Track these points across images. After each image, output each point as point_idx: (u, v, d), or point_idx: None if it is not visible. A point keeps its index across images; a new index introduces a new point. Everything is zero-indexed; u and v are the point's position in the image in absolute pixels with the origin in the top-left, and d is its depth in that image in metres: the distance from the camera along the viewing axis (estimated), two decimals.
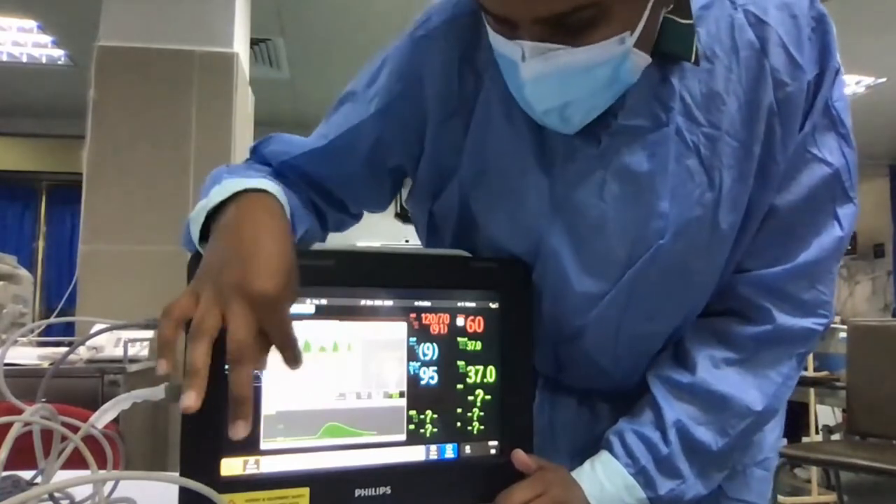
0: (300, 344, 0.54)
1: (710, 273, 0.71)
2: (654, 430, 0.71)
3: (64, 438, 0.62)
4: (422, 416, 0.68)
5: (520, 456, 0.69)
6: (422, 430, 0.68)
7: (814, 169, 0.70)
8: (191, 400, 0.48)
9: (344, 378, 0.66)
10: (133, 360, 2.14)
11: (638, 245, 0.69)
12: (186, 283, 0.61)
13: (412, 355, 0.69)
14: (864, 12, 3.87)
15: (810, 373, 3.55)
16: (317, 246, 0.71)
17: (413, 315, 0.69)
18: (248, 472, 0.62)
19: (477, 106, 0.72)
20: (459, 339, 0.70)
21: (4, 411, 0.60)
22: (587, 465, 0.71)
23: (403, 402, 0.68)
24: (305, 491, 0.62)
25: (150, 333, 2.23)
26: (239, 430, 0.49)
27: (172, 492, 0.57)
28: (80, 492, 0.68)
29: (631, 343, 0.74)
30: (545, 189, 0.70)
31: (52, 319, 1.99)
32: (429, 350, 0.69)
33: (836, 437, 3.66)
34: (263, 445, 0.62)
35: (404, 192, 0.86)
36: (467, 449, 0.70)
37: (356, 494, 0.64)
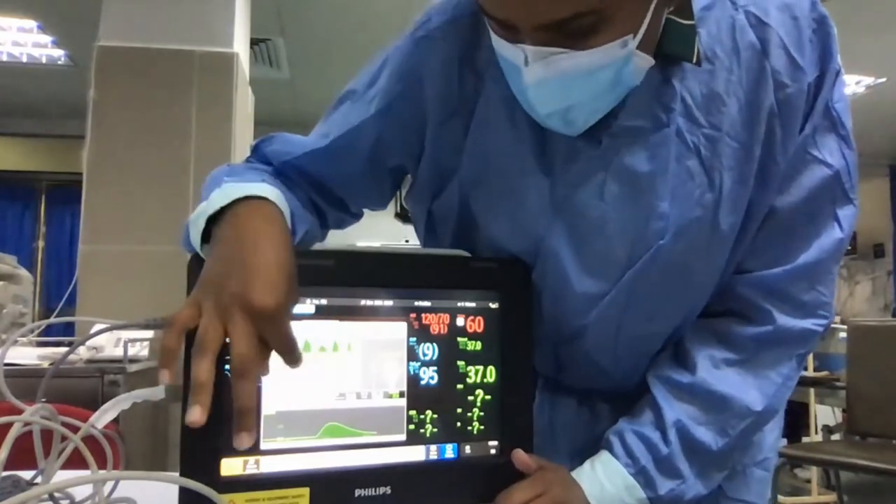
0: (300, 344, 0.55)
1: (710, 274, 0.71)
2: (654, 430, 0.71)
3: (64, 438, 0.63)
4: (422, 416, 0.68)
5: (520, 456, 0.69)
6: (422, 430, 0.68)
7: (814, 170, 0.70)
8: (196, 415, 0.49)
9: (344, 378, 0.66)
10: (133, 360, 2.14)
11: (638, 245, 0.69)
12: (186, 285, 0.61)
13: (412, 355, 0.69)
14: (864, 12, 3.87)
15: (810, 373, 3.55)
16: (317, 246, 0.71)
17: (413, 315, 0.69)
18: (248, 472, 0.62)
19: (477, 106, 0.72)
20: (459, 339, 0.70)
21: (4, 411, 0.60)
22: (587, 465, 0.71)
23: (403, 402, 0.68)
24: (305, 491, 0.62)
25: (150, 333, 2.24)
26: (244, 441, 0.50)
27: (172, 492, 0.57)
28: (80, 492, 0.68)
29: (631, 343, 0.74)
30: (545, 189, 0.70)
31: (52, 319, 1.99)
32: (429, 350, 0.69)
33: (836, 437, 3.67)
34: (263, 445, 0.62)
35: (404, 191, 0.86)
36: (467, 449, 0.70)
37: (356, 494, 0.64)
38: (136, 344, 2.20)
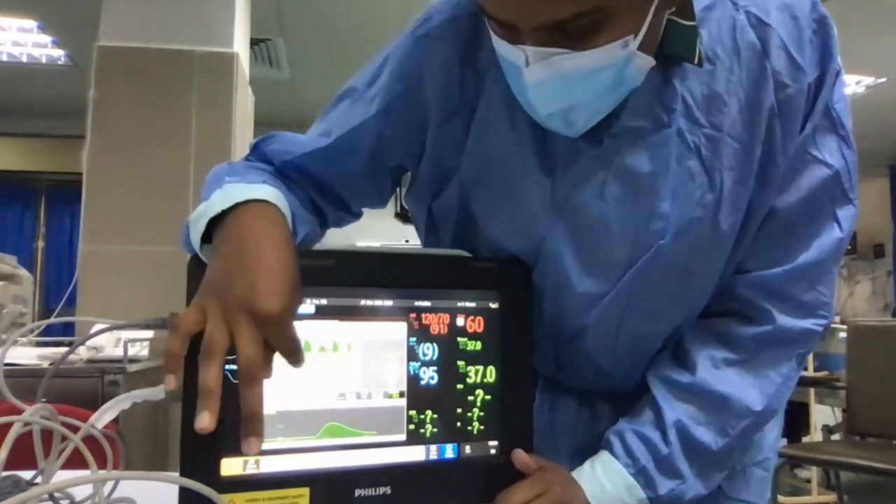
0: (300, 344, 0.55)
1: (711, 274, 0.71)
2: (654, 430, 0.71)
3: (64, 438, 0.63)
4: (422, 416, 0.68)
5: (520, 456, 0.69)
6: (422, 430, 0.68)
7: (814, 170, 0.70)
8: (205, 421, 0.49)
9: (344, 378, 0.66)
10: (133, 360, 2.14)
11: (639, 245, 0.69)
12: (186, 285, 0.61)
13: (412, 355, 0.69)
14: (864, 12, 3.87)
15: (810, 373, 3.55)
16: (317, 246, 0.71)
17: (413, 315, 0.69)
18: (248, 472, 0.62)
19: (478, 106, 0.72)
20: (459, 339, 0.70)
21: (4, 411, 0.60)
22: (587, 465, 0.71)
23: (403, 402, 0.68)
24: (305, 491, 0.62)
25: (150, 333, 2.23)
26: (253, 446, 0.51)
27: (172, 492, 0.57)
28: (80, 492, 0.68)
29: (631, 343, 0.74)
30: (546, 190, 0.70)
31: (52, 319, 1.99)
32: (429, 350, 0.69)
33: (836, 437, 3.67)
34: (263, 445, 0.62)
35: (404, 191, 0.86)
36: (467, 449, 0.70)
37: (356, 494, 0.64)
38: (136, 344, 2.20)
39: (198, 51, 3.01)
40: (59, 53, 4.61)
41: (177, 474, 0.56)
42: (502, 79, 0.66)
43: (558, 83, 0.59)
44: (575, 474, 0.70)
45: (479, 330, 0.71)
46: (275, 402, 0.63)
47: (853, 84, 5.03)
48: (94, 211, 2.89)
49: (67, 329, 3.38)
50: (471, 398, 0.70)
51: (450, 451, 0.70)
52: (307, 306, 0.65)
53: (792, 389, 0.74)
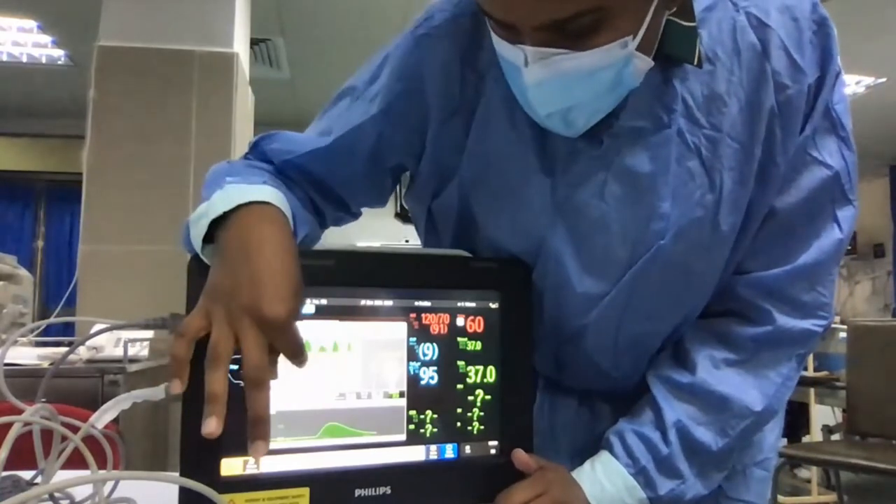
0: None
1: (710, 274, 0.71)
2: (655, 431, 0.71)
3: (64, 438, 0.62)
4: (422, 416, 0.68)
5: (520, 455, 0.69)
6: (422, 430, 0.68)
7: (813, 171, 0.70)
8: (212, 426, 0.50)
9: (344, 378, 0.66)
10: (133, 360, 2.14)
11: (639, 246, 0.69)
12: (186, 285, 0.61)
13: (412, 355, 0.69)
14: (864, 13, 3.87)
15: (810, 373, 3.55)
16: (317, 246, 0.71)
17: (413, 315, 0.69)
18: (248, 472, 0.62)
19: (478, 106, 0.72)
20: (459, 339, 0.70)
21: (4, 411, 0.60)
22: (587, 465, 0.71)
23: (403, 402, 0.68)
24: (305, 491, 0.62)
25: (150, 333, 2.23)
26: (260, 450, 0.51)
27: (172, 492, 0.57)
28: (80, 492, 0.68)
29: (631, 343, 0.74)
30: (547, 190, 0.70)
31: (53, 319, 1.99)
32: (429, 350, 0.69)
33: (836, 437, 3.67)
34: None
35: (404, 190, 0.86)
36: (467, 449, 0.70)
37: (356, 494, 0.64)
38: (136, 344, 2.20)
39: (198, 51, 3.01)
40: (59, 53, 4.61)
41: (177, 474, 0.56)
42: (502, 78, 0.66)
43: (558, 83, 0.59)
44: (575, 474, 0.70)
45: (479, 330, 0.71)
46: (275, 402, 0.63)
47: (853, 84, 5.03)
48: (94, 211, 2.89)
49: (67, 329, 3.38)
50: (471, 398, 0.70)
51: (450, 451, 0.70)
52: (307, 306, 0.65)
53: (792, 390, 0.74)
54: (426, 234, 0.83)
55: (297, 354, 0.55)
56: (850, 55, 4.11)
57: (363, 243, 4.07)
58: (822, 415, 3.82)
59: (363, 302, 0.68)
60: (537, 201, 0.71)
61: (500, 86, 0.68)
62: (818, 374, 3.55)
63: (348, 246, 0.70)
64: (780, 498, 3.47)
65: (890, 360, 2.76)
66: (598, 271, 0.71)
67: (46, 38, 4.39)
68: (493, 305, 0.72)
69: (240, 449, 0.60)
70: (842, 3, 2.75)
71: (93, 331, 0.77)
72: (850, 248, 2.84)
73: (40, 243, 5.99)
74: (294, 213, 0.67)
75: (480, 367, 0.71)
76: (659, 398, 0.72)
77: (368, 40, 3.99)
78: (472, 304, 0.71)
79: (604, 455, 0.72)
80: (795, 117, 0.67)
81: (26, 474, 0.72)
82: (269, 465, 0.63)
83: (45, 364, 2.01)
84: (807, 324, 0.72)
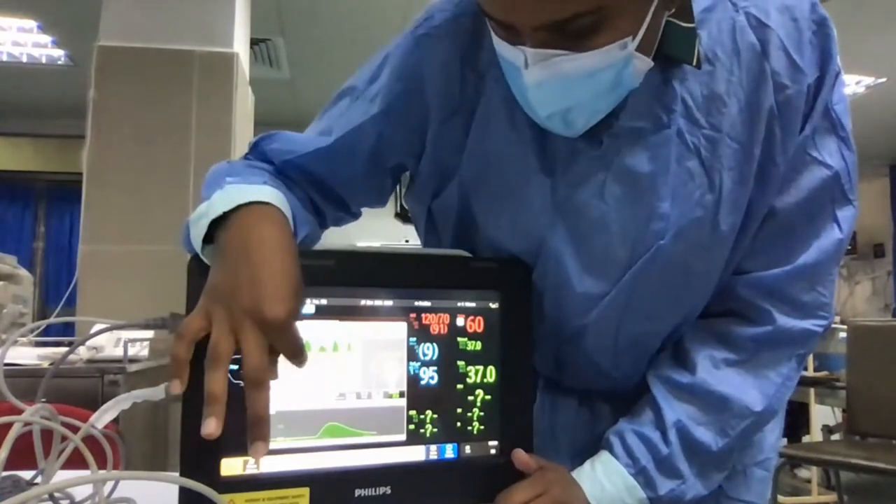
0: None
1: (710, 274, 0.71)
2: (655, 431, 0.71)
3: (64, 438, 0.63)
4: (422, 416, 0.68)
5: (520, 455, 0.69)
6: (422, 430, 0.68)
7: (813, 171, 0.70)
8: (212, 427, 0.50)
9: (344, 378, 0.66)
10: (133, 360, 2.14)
11: (638, 246, 0.69)
12: (186, 285, 0.61)
13: (412, 355, 0.69)
14: (863, 12, 3.87)
15: (810, 373, 3.55)
16: (317, 246, 0.71)
17: (413, 315, 0.69)
18: (248, 472, 0.62)
19: (478, 106, 0.72)
20: (459, 339, 0.70)
21: (4, 411, 0.60)
22: (587, 465, 0.71)
23: (403, 402, 0.68)
24: (305, 491, 0.62)
25: (150, 333, 2.23)
26: (260, 450, 0.52)
27: (172, 492, 0.57)
28: (80, 492, 0.68)
29: (631, 343, 0.75)
30: (547, 190, 0.70)
31: (52, 319, 1.99)
32: (429, 350, 0.69)
33: (836, 437, 3.67)
34: None
35: (404, 190, 0.86)
36: (467, 449, 0.70)
37: (356, 494, 0.64)
38: (136, 344, 2.20)
39: (198, 51, 3.01)
40: (59, 53, 4.61)
41: (177, 474, 0.56)
42: (503, 79, 0.66)
43: (557, 84, 0.59)
44: (575, 474, 0.70)
45: (479, 330, 0.71)
46: (275, 402, 0.63)
47: (853, 84, 5.03)
48: (94, 211, 2.89)
49: (67, 329, 3.38)
50: (471, 398, 0.70)
51: (450, 451, 0.70)
52: (307, 306, 0.65)
53: (792, 390, 0.74)
54: (426, 234, 0.83)
55: (297, 355, 0.55)
56: (850, 55, 4.12)
57: (363, 243, 4.07)
58: (822, 415, 3.82)
59: (363, 302, 0.68)
60: (537, 201, 0.71)
61: (500, 86, 0.68)
62: (818, 374, 3.55)
63: (348, 246, 0.70)
64: (781, 498, 3.47)
65: (890, 360, 2.77)
66: (598, 271, 0.71)
67: (46, 38, 4.39)
68: (493, 305, 0.72)
69: (240, 449, 0.60)
70: (842, 3, 2.75)
71: (93, 331, 0.77)
72: (850, 248, 2.85)
73: (40, 243, 5.99)
74: (294, 214, 0.67)
75: (480, 367, 0.71)
76: (659, 398, 0.72)
77: (368, 40, 3.99)
78: (472, 304, 0.71)
79: (604, 455, 0.72)
80: (795, 117, 0.67)
81: (26, 474, 0.72)
82: (269, 465, 0.63)
83: (45, 364, 2.01)
84: (807, 324, 0.72)
